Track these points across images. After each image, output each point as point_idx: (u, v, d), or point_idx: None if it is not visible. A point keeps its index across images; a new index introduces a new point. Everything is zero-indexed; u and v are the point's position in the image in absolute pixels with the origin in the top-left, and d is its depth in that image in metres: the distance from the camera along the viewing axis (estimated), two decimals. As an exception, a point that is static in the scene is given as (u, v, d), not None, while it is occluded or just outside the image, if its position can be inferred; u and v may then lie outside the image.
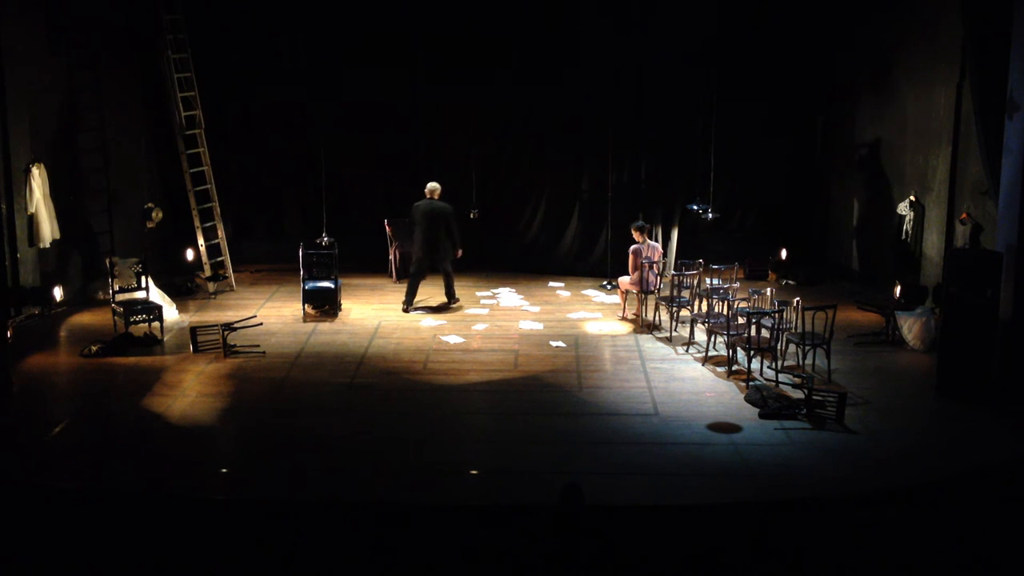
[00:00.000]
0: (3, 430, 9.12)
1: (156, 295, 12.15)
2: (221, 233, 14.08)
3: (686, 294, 12.19)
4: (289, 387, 10.24)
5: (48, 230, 12.20)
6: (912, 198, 12.78)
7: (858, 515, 7.73)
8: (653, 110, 14.61)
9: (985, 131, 10.41)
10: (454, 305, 13.17)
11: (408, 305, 12.94)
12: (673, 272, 12.29)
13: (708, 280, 12.44)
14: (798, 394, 9.78)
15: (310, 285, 12.63)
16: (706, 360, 11.05)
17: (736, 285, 12.30)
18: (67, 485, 7.98)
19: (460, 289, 13.77)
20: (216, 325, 11.40)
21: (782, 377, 10.27)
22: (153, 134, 14.45)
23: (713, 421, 9.32)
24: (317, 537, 7.33)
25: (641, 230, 12.52)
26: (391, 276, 14.55)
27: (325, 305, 12.74)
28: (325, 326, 12.31)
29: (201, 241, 13.80)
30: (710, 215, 14.00)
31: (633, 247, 12.47)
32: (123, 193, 13.93)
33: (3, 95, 11.67)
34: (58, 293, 12.46)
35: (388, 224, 14.56)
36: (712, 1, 14.52)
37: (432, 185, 12.99)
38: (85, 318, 12.48)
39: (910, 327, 11.39)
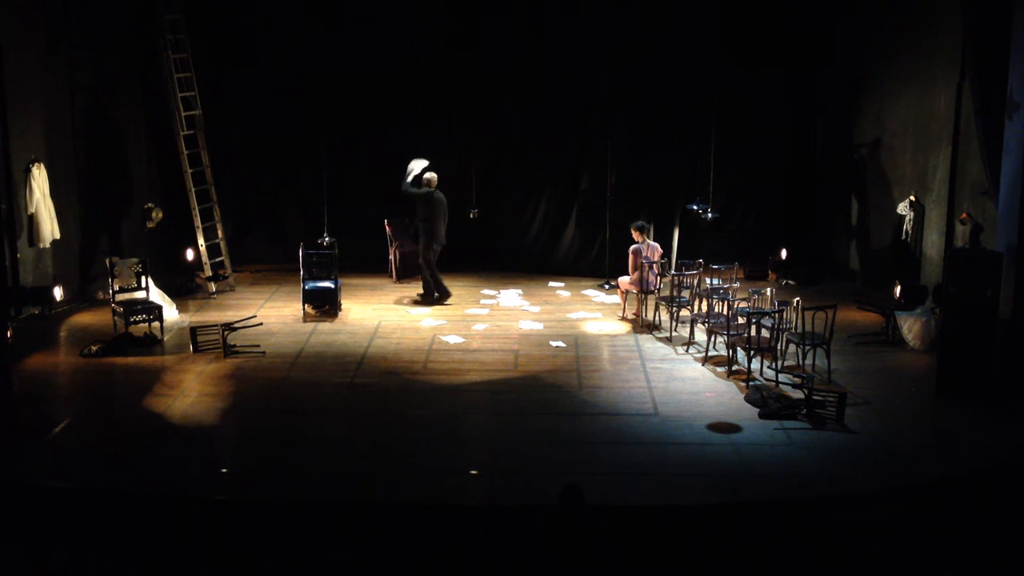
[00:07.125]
0: (3, 430, 9.11)
1: (156, 295, 12.14)
2: (221, 233, 14.07)
3: (686, 294, 12.19)
4: (289, 387, 10.24)
5: (48, 230, 12.19)
6: (912, 198, 12.77)
7: (857, 515, 7.73)
8: (653, 109, 14.62)
9: (985, 131, 10.40)
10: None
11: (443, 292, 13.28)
12: (673, 272, 12.29)
13: (708, 280, 12.44)
14: (798, 394, 9.78)
15: (310, 285, 12.63)
16: (706, 360, 11.05)
17: (736, 285, 12.30)
18: (67, 485, 7.98)
19: (459, 288, 13.83)
20: (216, 325, 11.39)
21: (782, 377, 10.26)
22: (153, 134, 14.44)
23: (713, 421, 9.32)
24: (317, 537, 7.33)
25: (641, 230, 12.52)
26: (391, 276, 14.54)
27: (325, 305, 12.73)
28: (325, 326, 12.31)
29: (201, 241, 13.79)
30: (710, 215, 13.99)
31: (633, 247, 12.47)
32: (123, 193, 13.92)
33: (3, 95, 11.67)
34: (58, 293, 12.45)
35: (388, 224, 14.55)
36: (712, 1, 14.53)
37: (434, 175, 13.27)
38: (85, 318, 12.48)
39: (910, 327, 11.39)
